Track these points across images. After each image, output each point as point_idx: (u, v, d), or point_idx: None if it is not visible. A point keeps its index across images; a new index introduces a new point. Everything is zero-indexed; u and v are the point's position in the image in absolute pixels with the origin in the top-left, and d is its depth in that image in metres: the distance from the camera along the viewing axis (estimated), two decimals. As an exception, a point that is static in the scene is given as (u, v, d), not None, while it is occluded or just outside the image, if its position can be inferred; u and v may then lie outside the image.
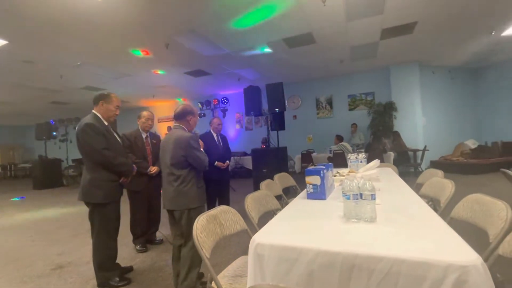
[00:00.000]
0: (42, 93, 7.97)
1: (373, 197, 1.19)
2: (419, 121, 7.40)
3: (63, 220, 4.57)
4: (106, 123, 2.22)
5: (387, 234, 1.06)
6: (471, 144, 7.49)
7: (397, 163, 5.96)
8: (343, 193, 1.27)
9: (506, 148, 7.15)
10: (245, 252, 2.75)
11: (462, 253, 0.85)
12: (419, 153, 6.73)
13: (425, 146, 6.55)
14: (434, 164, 7.22)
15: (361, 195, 1.22)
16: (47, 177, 8.71)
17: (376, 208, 1.23)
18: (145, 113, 2.98)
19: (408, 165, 6.70)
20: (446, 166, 6.81)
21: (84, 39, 4.60)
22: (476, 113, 8.26)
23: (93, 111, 2.22)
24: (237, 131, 10.02)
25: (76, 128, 2.15)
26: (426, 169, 6.60)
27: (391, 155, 6.38)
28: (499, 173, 6.16)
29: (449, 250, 0.88)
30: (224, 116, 9.89)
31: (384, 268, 0.86)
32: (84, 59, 5.52)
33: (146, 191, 2.94)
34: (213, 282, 1.29)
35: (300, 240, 1.05)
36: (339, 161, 5.57)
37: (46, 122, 8.90)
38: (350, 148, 6.22)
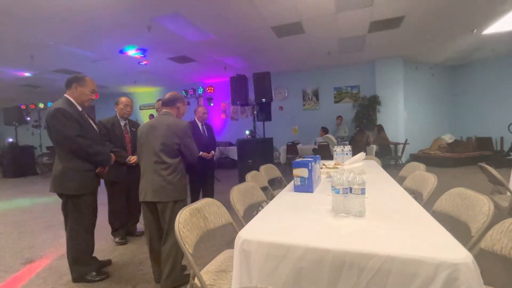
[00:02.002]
0: (10, 74, 7.35)
1: (362, 191, 1.16)
2: (401, 115, 7.60)
3: (35, 210, 4.31)
4: (79, 108, 2.05)
5: (377, 230, 1.04)
6: (448, 138, 7.83)
7: (378, 155, 6.12)
8: (332, 186, 1.24)
9: (480, 143, 7.55)
10: (229, 244, 2.71)
11: (453, 251, 0.84)
12: (400, 146, 6.95)
13: (406, 140, 6.76)
14: (413, 158, 7.50)
15: (350, 189, 1.19)
16: (18, 165, 8.20)
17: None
18: (123, 98, 2.80)
19: (389, 158, 6.91)
20: (424, 159, 7.09)
21: (58, 18, 4.22)
22: (454, 109, 8.61)
23: (65, 95, 2.03)
24: (222, 120, 9.85)
25: (46, 113, 1.96)
26: (406, 162, 6.85)
27: (374, 147, 6.53)
28: (472, 166, 6.52)
29: (440, 247, 0.87)
30: (210, 105, 9.66)
31: (375, 265, 0.84)
32: (58, 39, 5.11)
33: (125, 182, 2.79)
34: (196, 278, 1.23)
35: (288, 236, 1.01)
36: (324, 153, 5.62)
37: (15, 106, 8.29)
38: (335, 141, 6.29)
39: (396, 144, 7.03)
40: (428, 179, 2.03)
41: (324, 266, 0.89)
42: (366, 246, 0.88)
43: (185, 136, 1.90)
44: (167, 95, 2.03)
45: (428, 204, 1.82)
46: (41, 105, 8.73)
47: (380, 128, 7.11)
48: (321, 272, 0.90)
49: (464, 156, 6.94)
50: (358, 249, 0.87)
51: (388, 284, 0.82)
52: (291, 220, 1.22)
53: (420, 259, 0.81)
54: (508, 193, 2.41)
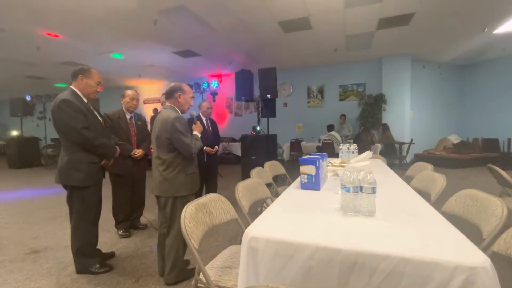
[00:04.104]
0: (16, 65, 7.38)
1: (373, 190, 1.14)
2: (407, 114, 7.51)
3: (40, 201, 4.34)
4: (85, 100, 2.04)
5: (388, 230, 1.01)
6: (454, 139, 7.73)
7: (383, 154, 6.05)
8: (341, 184, 1.21)
9: (486, 145, 7.45)
10: (233, 240, 2.69)
11: (469, 254, 0.81)
12: (405, 146, 6.87)
13: (411, 139, 6.69)
14: (418, 157, 7.42)
15: (360, 187, 1.16)
16: (23, 156, 8.26)
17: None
18: (129, 92, 2.78)
19: (393, 157, 6.84)
20: (429, 159, 6.99)
21: (65, 10, 4.20)
22: (460, 109, 8.48)
23: (71, 86, 2.02)
24: (226, 116, 9.82)
25: (52, 105, 1.95)
26: (410, 161, 6.79)
27: (378, 146, 6.47)
28: (479, 168, 6.44)
29: (455, 249, 0.84)
30: (214, 100, 9.61)
31: (387, 267, 0.81)
32: (64, 31, 5.09)
33: (130, 175, 2.79)
34: (201, 273, 1.21)
35: (297, 235, 0.98)
36: (328, 151, 5.58)
37: (21, 98, 8.32)
38: (339, 138, 6.24)
39: (401, 144, 6.95)
40: (436, 179, 1.99)
41: (334, 266, 0.87)
42: (379, 247, 0.86)
43: (174, 130, 1.79)
44: (168, 88, 2.01)
45: (435, 205, 1.79)
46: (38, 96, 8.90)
47: (386, 127, 7.03)
48: (331, 272, 0.87)
49: (470, 158, 6.85)
50: (370, 250, 0.85)
51: (401, 286, 0.80)
52: (299, 218, 1.20)
53: (435, 261, 0.78)
54: (518, 196, 2.37)
